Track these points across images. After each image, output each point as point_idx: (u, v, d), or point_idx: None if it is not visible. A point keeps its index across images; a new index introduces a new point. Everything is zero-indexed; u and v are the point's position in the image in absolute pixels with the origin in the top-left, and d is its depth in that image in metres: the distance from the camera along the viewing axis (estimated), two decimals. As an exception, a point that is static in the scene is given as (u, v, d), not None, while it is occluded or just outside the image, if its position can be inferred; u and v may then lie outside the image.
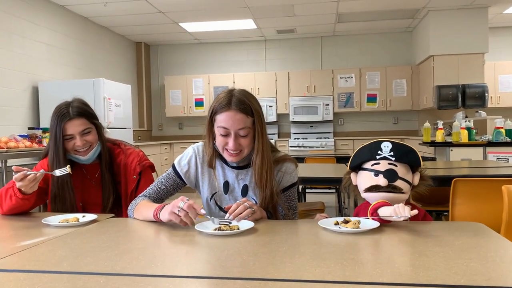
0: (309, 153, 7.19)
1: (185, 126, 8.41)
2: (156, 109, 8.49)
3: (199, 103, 7.95)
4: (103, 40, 7.04)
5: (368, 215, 1.32)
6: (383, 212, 1.27)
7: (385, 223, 1.31)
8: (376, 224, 1.27)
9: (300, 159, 4.60)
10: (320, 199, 3.98)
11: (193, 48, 8.32)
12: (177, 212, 1.32)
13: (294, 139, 7.69)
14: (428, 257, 1.01)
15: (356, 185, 1.44)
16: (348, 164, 1.46)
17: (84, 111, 1.83)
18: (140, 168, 1.90)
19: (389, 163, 1.35)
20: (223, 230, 1.29)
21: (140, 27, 7.15)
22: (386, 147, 1.37)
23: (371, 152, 1.38)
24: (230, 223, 1.36)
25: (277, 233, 1.29)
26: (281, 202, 1.58)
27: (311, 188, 5.52)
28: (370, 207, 1.32)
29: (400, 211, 1.22)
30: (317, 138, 7.68)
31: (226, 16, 6.58)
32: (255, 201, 1.56)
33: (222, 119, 1.48)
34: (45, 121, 5.21)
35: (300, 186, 4.83)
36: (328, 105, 7.64)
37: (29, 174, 1.58)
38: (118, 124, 5.43)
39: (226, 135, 1.49)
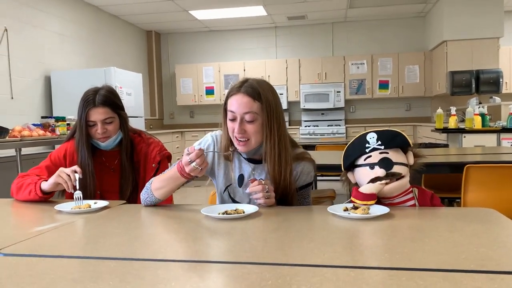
0: (320, 141, 7.18)
1: (196, 114, 8.43)
2: (167, 98, 8.52)
3: (209, 91, 7.95)
4: (114, 29, 7.05)
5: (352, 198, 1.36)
6: (364, 188, 1.33)
7: (393, 206, 1.30)
8: (386, 210, 1.27)
9: (311, 147, 4.58)
10: (331, 187, 3.96)
11: (203, 36, 8.29)
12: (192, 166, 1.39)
13: (305, 126, 7.66)
14: (438, 243, 1.00)
15: (355, 183, 1.43)
16: (342, 165, 1.45)
17: (109, 100, 1.86)
18: (160, 157, 1.93)
19: (380, 153, 1.34)
20: (230, 214, 1.30)
21: (150, 16, 7.14)
22: (372, 138, 1.37)
23: (359, 147, 1.38)
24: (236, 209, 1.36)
25: (285, 219, 1.29)
26: (295, 200, 1.56)
27: (322, 175, 5.51)
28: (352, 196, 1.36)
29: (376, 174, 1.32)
30: (328, 126, 7.64)
31: (236, 3, 6.53)
32: None
33: (230, 103, 1.47)
34: (58, 110, 5.26)
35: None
36: (339, 92, 7.58)
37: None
38: (130, 112, 5.42)
39: (233, 119, 1.47)
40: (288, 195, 1.51)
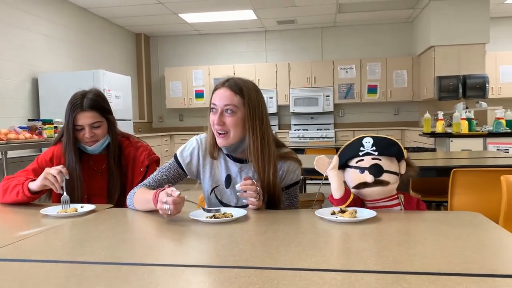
0: (309, 145, 7.19)
1: (186, 117, 8.40)
2: (157, 101, 8.48)
3: (199, 94, 7.93)
4: (103, 31, 7.01)
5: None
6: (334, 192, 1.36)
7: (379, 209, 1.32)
8: (373, 213, 1.28)
9: (301, 151, 4.60)
10: (320, 190, 3.98)
11: (193, 39, 8.28)
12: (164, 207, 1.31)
13: (295, 130, 7.68)
14: (424, 246, 1.02)
15: (344, 182, 1.45)
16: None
17: (97, 104, 1.85)
18: (149, 161, 1.92)
19: (372, 158, 1.35)
20: (218, 218, 1.29)
21: (139, 18, 7.12)
22: (367, 142, 1.38)
23: (354, 149, 1.39)
24: (219, 210, 1.37)
25: (273, 222, 1.30)
26: (283, 199, 1.57)
27: (311, 179, 5.53)
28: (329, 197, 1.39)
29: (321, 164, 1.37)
30: (317, 130, 7.67)
31: (226, 6, 6.54)
32: None
33: (214, 97, 1.51)
34: (45, 112, 5.20)
35: (301, 177, 4.83)
36: (328, 96, 7.62)
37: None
38: (118, 115, 5.36)
39: (214, 112, 1.50)
40: (274, 194, 1.52)
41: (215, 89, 1.53)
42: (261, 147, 1.50)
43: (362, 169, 1.36)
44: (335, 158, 1.37)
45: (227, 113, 1.48)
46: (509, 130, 4.69)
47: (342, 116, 8.04)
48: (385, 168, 1.35)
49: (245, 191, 1.41)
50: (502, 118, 4.69)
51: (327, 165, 1.37)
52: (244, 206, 1.49)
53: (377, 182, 1.34)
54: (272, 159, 1.51)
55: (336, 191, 1.36)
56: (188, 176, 1.66)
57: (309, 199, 3.56)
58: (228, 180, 1.60)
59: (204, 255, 1.02)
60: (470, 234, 1.11)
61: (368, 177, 1.34)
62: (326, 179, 1.38)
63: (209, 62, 8.16)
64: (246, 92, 1.49)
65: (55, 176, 1.61)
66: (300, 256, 0.95)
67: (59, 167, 1.65)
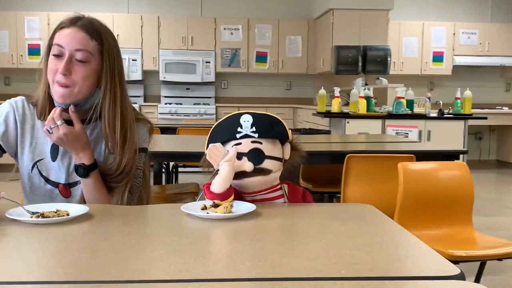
0: (183, 123, 7.18)
1: (14, 81, 7.77)
2: (-29, 56, 7.67)
3: (34, 50, 7.38)
4: None
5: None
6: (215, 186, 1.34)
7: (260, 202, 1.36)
8: (252, 207, 1.30)
9: (172, 130, 4.56)
10: (195, 180, 3.99)
11: (26, -26, 7.62)
12: None
13: (166, 104, 7.60)
14: (308, 245, 1.07)
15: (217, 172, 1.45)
16: (205, 147, 1.46)
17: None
18: None
19: (252, 141, 1.38)
20: (48, 217, 1.22)
21: None
22: (246, 121, 1.40)
23: (229, 129, 1.40)
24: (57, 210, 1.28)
25: (125, 221, 1.27)
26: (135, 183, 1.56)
27: (184, 166, 5.51)
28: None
29: None
30: (194, 104, 7.69)
31: None
32: None
33: (59, 36, 1.46)
34: None
35: (171, 164, 4.80)
36: (209, 62, 7.66)
37: None
38: None
39: (59, 55, 1.44)
40: (127, 171, 1.52)
41: (60, 27, 1.47)
42: (121, 109, 1.50)
43: (240, 155, 1.37)
44: (234, 149, 1.36)
45: (77, 60, 1.44)
46: (409, 112, 5.22)
47: (225, 88, 8.15)
48: (266, 153, 1.37)
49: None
50: (403, 98, 5.19)
51: (222, 156, 1.34)
52: (79, 182, 1.52)
53: (258, 171, 1.36)
54: (133, 123, 1.54)
55: (220, 185, 1.33)
56: (6, 153, 1.57)
57: (181, 191, 3.55)
58: (56, 151, 1.55)
59: (22, 267, 0.94)
60: (360, 230, 1.20)
61: (246, 165, 1.36)
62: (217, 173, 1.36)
63: (49, 6, 7.61)
64: (105, 38, 1.48)
65: None
66: (157, 265, 0.94)
67: None
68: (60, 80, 1.44)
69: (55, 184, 1.56)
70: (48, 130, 1.42)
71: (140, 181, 1.60)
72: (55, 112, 1.43)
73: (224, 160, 1.34)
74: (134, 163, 1.53)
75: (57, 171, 1.56)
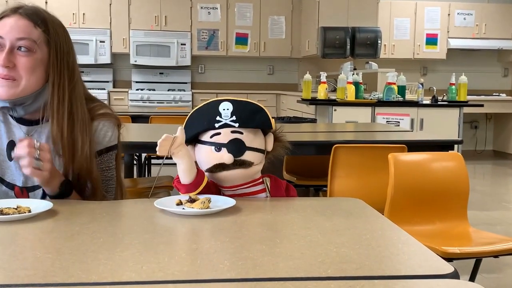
0: (156, 110, 7.12)
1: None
2: None
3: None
4: None
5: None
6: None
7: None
8: (232, 202, 1.31)
9: (144, 118, 4.53)
10: (169, 173, 3.97)
11: None
12: None
13: (137, 90, 7.56)
14: (292, 243, 1.07)
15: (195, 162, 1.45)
16: None
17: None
18: None
19: (232, 131, 1.38)
20: (8, 214, 1.21)
21: None
22: (226, 109, 1.39)
23: (207, 118, 1.40)
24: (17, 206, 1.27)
25: (92, 219, 1.26)
26: (99, 184, 1.54)
27: (157, 158, 5.50)
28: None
29: None
30: (168, 90, 7.66)
31: None
32: None
33: None
34: None
35: (143, 155, 4.77)
36: (184, 45, 7.62)
37: None
38: None
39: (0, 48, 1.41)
40: (86, 173, 1.49)
41: (0, 17, 1.43)
42: (69, 108, 1.46)
43: (218, 146, 1.37)
44: (180, 131, 1.34)
45: (21, 51, 1.41)
46: (401, 99, 5.26)
47: (202, 73, 8.12)
48: (247, 144, 1.38)
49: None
50: (394, 84, 5.23)
51: (170, 143, 1.33)
52: (39, 186, 1.47)
53: (238, 163, 1.36)
54: (86, 125, 1.49)
55: (185, 174, 1.35)
56: None
57: (154, 185, 3.54)
58: (11, 149, 1.50)
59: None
60: (348, 226, 1.20)
61: (226, 157, 1.36)
62: (170, 158, 1.35)
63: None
64: (51, 26, 1.45)
65: None
66: (127, 265, 0.94)
67: None
68: (3, 73, 1.40)
69: (11, 186, 1.52)
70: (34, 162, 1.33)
71: (114, 182, 1.59)
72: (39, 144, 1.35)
73: (175, 147, 1.32)
74: (93, 167, 1.50)
75: (13, 172, 1.52)
